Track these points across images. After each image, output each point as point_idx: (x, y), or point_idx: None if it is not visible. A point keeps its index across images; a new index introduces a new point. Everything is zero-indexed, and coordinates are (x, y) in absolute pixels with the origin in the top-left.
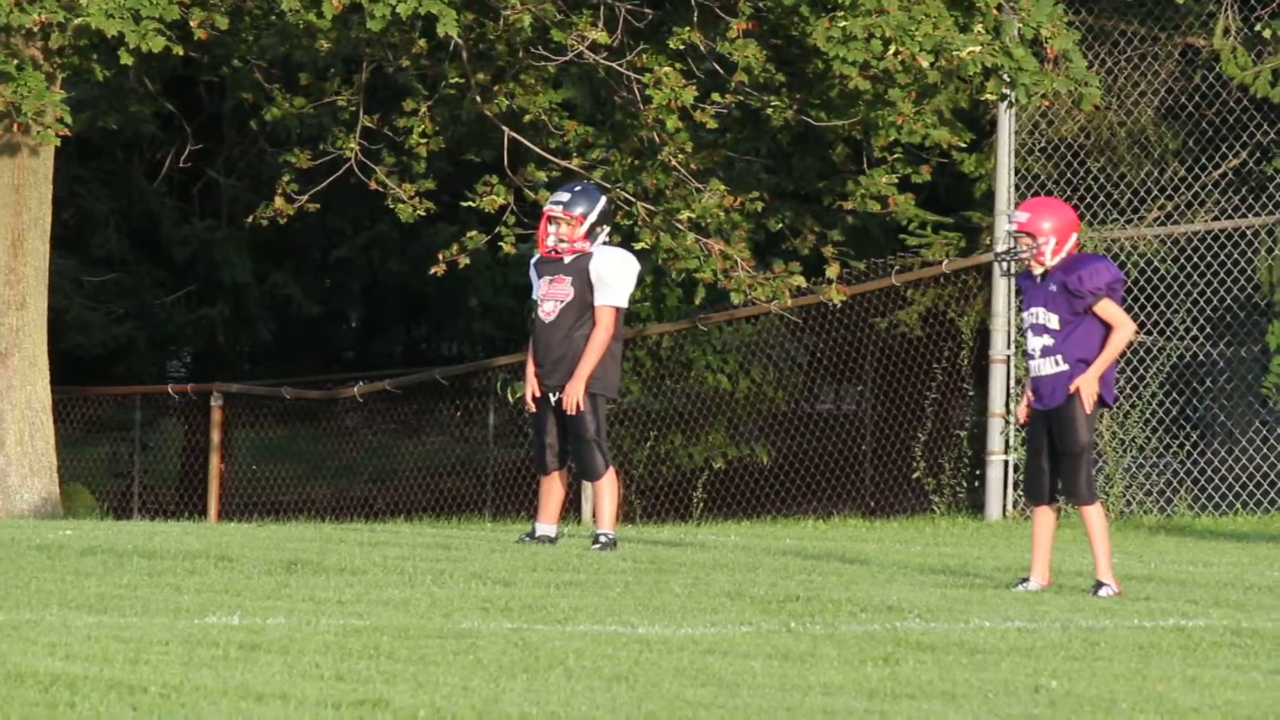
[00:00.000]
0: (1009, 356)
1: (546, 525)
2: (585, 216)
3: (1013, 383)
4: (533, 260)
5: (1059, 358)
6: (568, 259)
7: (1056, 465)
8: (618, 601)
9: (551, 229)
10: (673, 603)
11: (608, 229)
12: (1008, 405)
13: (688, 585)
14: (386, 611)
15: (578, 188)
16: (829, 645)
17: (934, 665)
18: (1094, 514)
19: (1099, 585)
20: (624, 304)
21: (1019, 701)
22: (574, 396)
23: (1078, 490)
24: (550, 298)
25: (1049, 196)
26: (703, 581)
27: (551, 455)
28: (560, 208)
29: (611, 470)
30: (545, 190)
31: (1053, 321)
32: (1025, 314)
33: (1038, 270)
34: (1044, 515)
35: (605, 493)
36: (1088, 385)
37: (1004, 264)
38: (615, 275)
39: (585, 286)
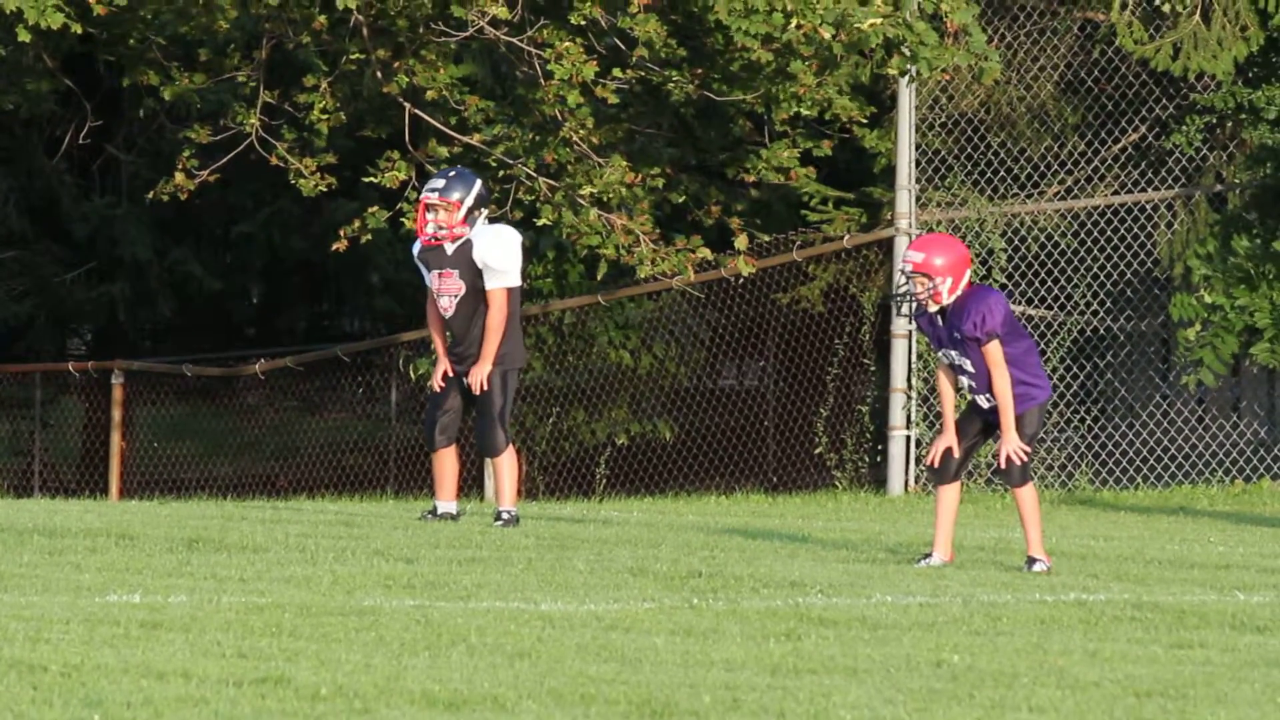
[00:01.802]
0: (910, 332)
1: (447, 503)
2: (462, 201)
3: (914, 358)
4: (415, 251)
5: (988, 395)
6: (450, 248)
7: (971, 448)
8: (520, 578)
9: (430, 216)
10: (575, 579)
11: (485, 211)
12: (909, 380)
13: (590, 562)
14: (288, 589)
15: (452, 173)
16: (731, 621)
17: (836, 641)
18: (1026, 494)
19: (1032, 561)
20: (515, 283)
21: (921, 676)
22: (479, 377)
23: (1011, 475)
24: (444, 293)
25: (940, 234)
26: (605, 558)
27: (440, 432)
28: (436, 194)
29: (511, 448)
30: (446, 165)
31: (968, 364)
32: (939, 354)
33: (934, 309)
34: (948, 492)
35: (505, 469)
36: (1014, 447)
37: (899, 304)
38: (499, 257)
39: (475, 275)
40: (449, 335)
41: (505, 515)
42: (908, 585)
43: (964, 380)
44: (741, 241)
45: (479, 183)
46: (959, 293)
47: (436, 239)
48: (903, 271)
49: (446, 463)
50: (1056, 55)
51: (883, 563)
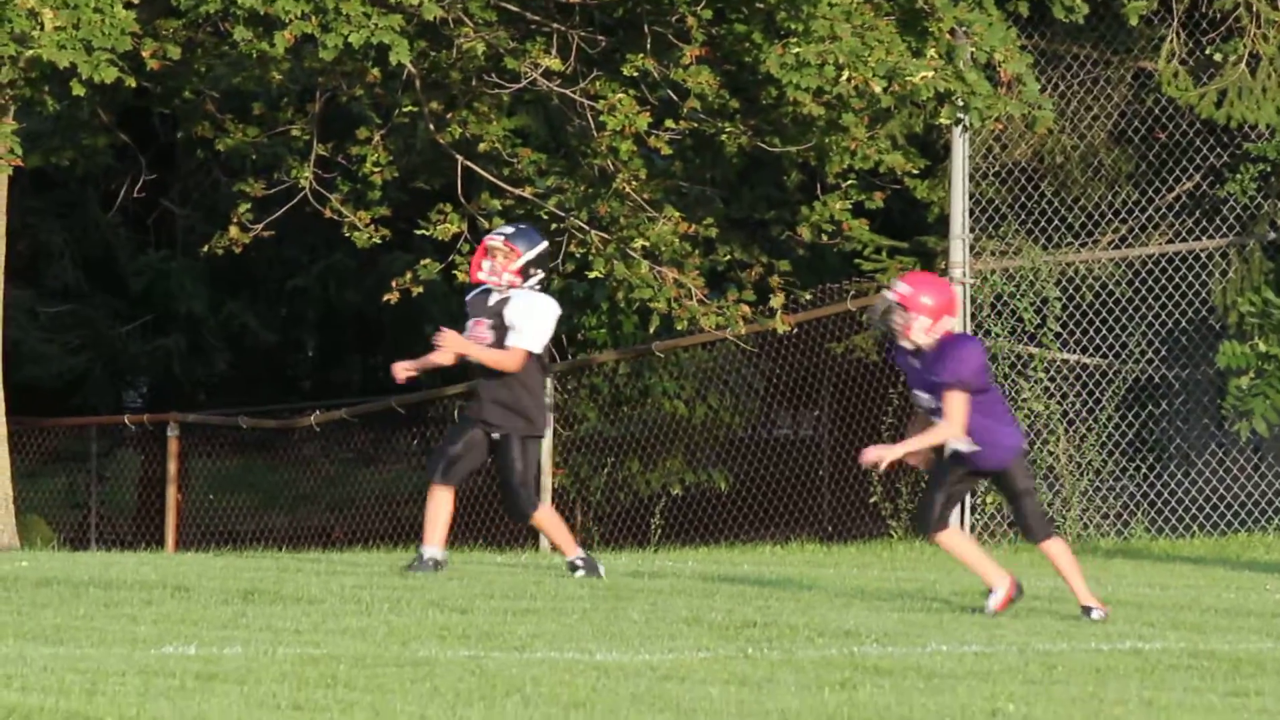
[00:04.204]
0: None
1: (433, 548)
2: (522, 252)
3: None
4: (469, 298)
5: (968, 439)
6: (492, 299)
7: (952, 496)
8: (575, 628)
9: (486, 263)
10: (630, 629)
11: (541, 274)
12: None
13: (645, 611)
14: (344, 640)
15: (523, 226)
16: (786, 671)
17: (891, 690)
18: (1053, 547)
19: (1087, 610)
20: (535, 349)
21: None
22: (452, 340)
23: (1031, 530)
24: (474, 340)
25: (935, 277)
26: (660, 608)
27: (447, 468)
28: (501, 239)
29: (543, 504)
30: (498, 219)
31: (927, 401)
32: (913, 393)
33: (905, 344)
34: (947, 538)
35: (548, 526)
36: (882, 454)
37: (871, 326)
38: (527, 321)
39: (503, 333)
40: (480, 385)
41: (579, 563)
42: (963, 634)
43: (934, 418)
44: (777, 300)
45: (544, 244)
46: (934, 336)
47: (486, 282)
48: (886, 298)
49: (442, 504)
50: (1110, 104)
51: (938, 612)
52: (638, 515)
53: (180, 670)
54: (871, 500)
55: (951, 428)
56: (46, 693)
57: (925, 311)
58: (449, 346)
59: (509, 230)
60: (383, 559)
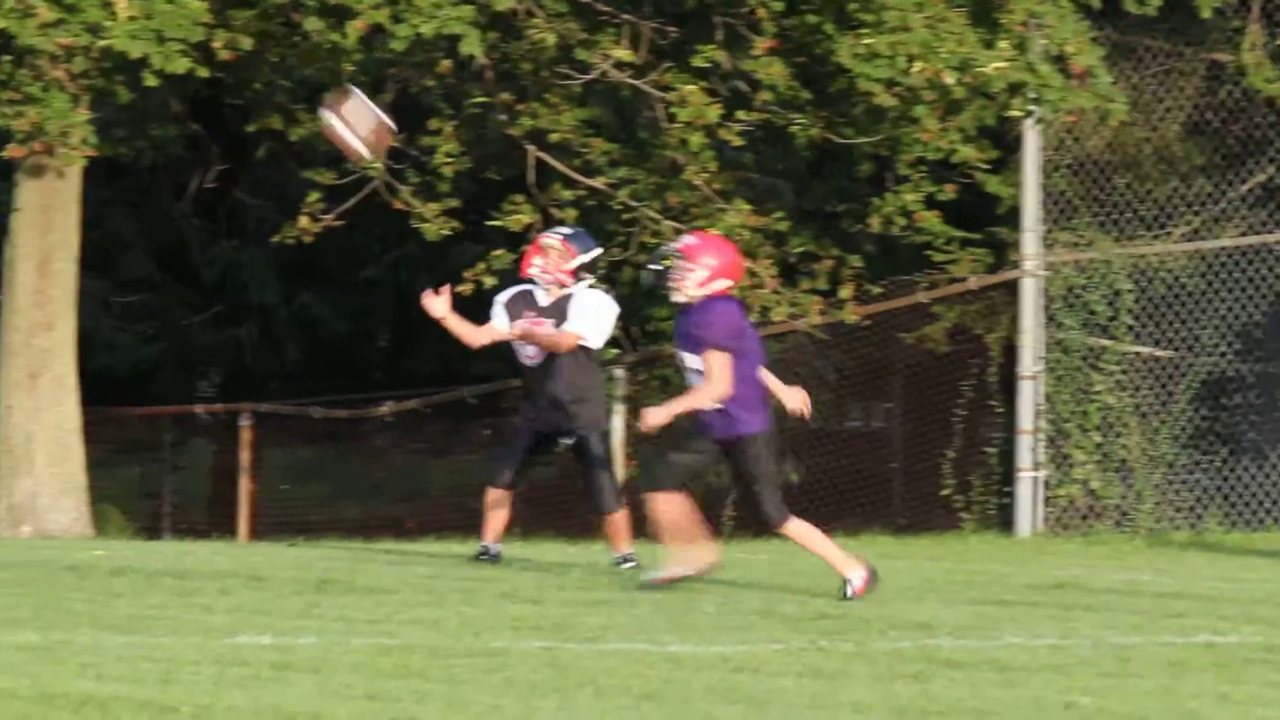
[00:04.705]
0: (1037, 373)
1: (496, 543)
2: (577, 253)
3: (1041, 399)
4: (503, 299)
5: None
6: (545, 300)
7: (685, 465)
8: (648, 619)
9: (538, 259)
10: (703, 620)
11: (591, 278)
12: (1036, 422)
13: (718, 603)
14: (417, 631)
15: (580, 229)
16: (859, 663)
17: (965, 683)
18: (794, 529)
19: (847, 581)
20: (592, 343)
21: (1050, 719)
22: (534, 329)
23: (768, 516)
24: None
25: (726, 240)
26: (733, 599)
27: (513, 473)
28: (559, 238)
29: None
30: (570, 209)
31: (694, 362)
32: (679, 353)
33: (676, 299)
34: (661, 502)
35: (623, 524)
36: (655, 417)
37: (647, 276)
38: (590, 315)
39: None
40: (543, 392)
41: (631, 558)
42: (1036, 627)
43: (692, 380)
44: (846, 291)
45: (598, 249)
46: (702, 292)
47: (535, 279)
48: (668, 247)
49: (503, 506)
50: (1183, 96)
51: (1011, 604)
52: (710, 507)
53: (255, 660)
54: (943, 493)
55: (713, 388)
56: (121, 681)
57: (704, 266)
58: (514, 332)
59: (567, 231)
60: (455, 549)
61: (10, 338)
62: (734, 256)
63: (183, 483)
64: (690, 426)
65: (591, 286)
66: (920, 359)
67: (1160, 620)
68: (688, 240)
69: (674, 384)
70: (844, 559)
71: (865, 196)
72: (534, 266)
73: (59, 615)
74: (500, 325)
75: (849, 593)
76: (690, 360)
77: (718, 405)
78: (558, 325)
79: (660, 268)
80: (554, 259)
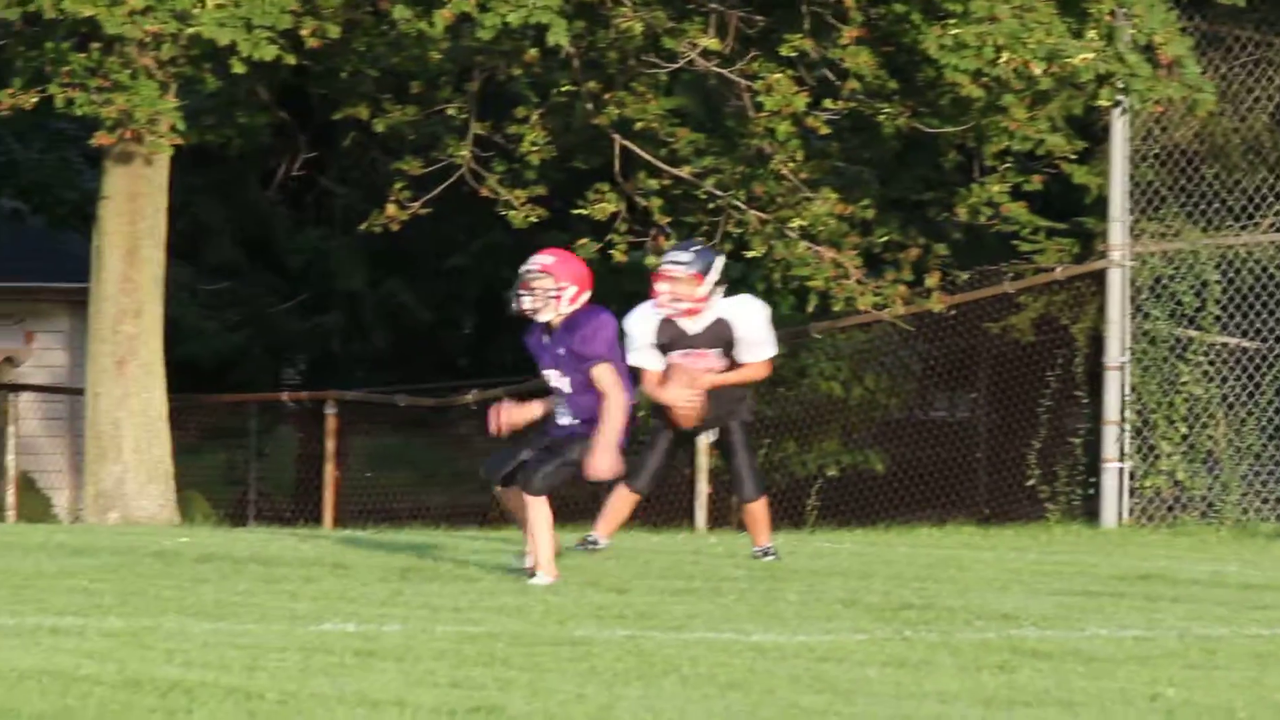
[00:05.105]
0: (1124, 364)
1: (606, 538)
2: (704, 275)
3: (1127, 390)
4: (645, 339)
5: (574, 416)
6: (694, 328)
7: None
8: (732, 609)
9: (666, 287)
10: (787, 610)
11: (722, 288)
12: (1123, 413)
13: (802, 592)
14: (501, 618)
15: (695, 247)
16: (944, 653)
17: (1050, 673)
18: (539, 506)
19: (537, 572)
20: (775, 351)
21: (1136, 710)
22: (701, 383)
23: (530, 483)
24: (703, 368)
25: (567, 251)
26: (817, 589)
27: (652, 478)
28: (681, 268)
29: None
30: (655, 198)
31: (565, 385)
32: (542, 374)
33: (546, 318)
34: (510, 496)
35: (760, 514)
36: (604, 463)
37: (517, 301)
38: (758, 329)
39: (728, 350)
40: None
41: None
42: (1122, 618)
43: (558, 400)
44: (933, 279)
45: (719, 259)
46: (574, 308)
47: (675, 310)
48: (526, 270)
49: (629, 506)
50: (1271, 86)
51: (1096, 595)
52: (794, 496)
53: (340, 647)
54: (1029, 483)
55: (618, 397)
56: (207, 668)
57: (569, 279)
58: (700, 385)
59: (685, 258)
60: None
61: (98, 325)
62: (586, 269)
63: (268, 470)
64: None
65: (725, 295)
66: (1006, 349)
67: (1246, 612)
68: (546, 259)
69: None
70: (550, 561)
71: (952, 185)
72: (663, 296)
73: (145, 602)
74: (654, 365)
75: (534, 576)
76: (557, 379)
77: (578, 420)
78: (722, 353)
79: (526, 293)
80: (683, 289)
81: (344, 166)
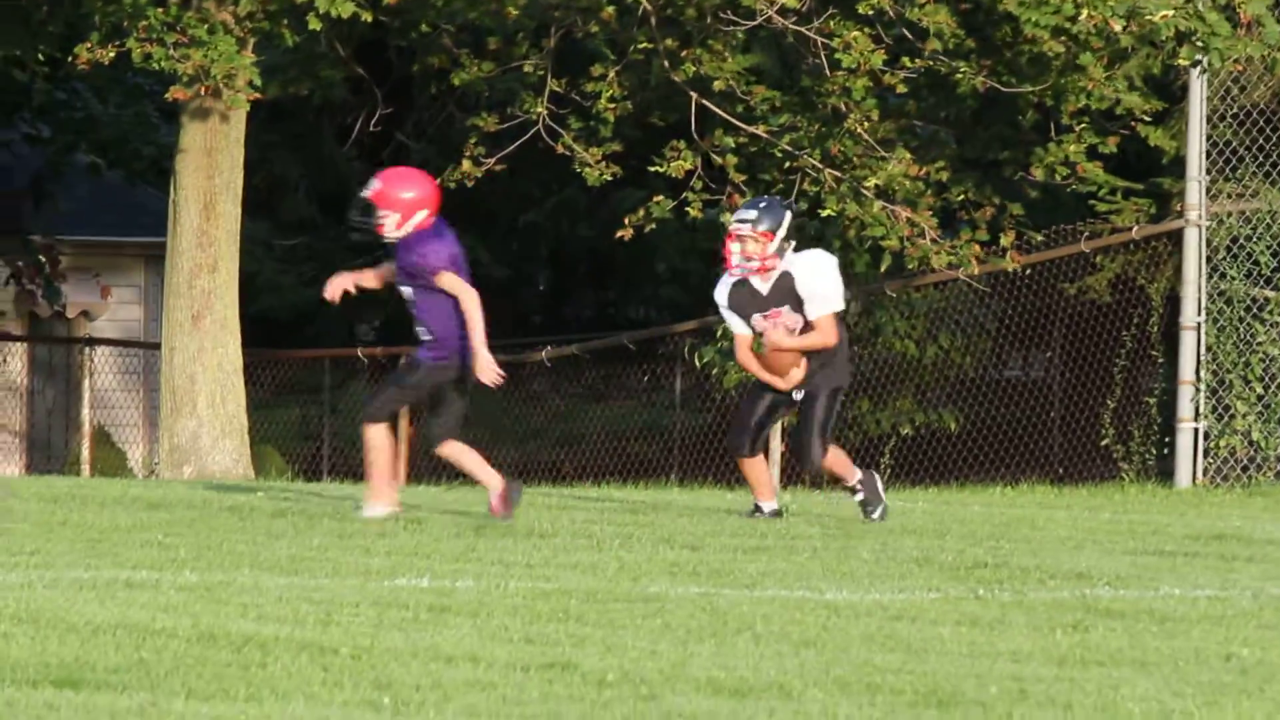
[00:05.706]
0: (1199, 324)
1: (769, 502)
2: (773, 233)
3: (1202, 350)
4: (724, 299)
5: (423, 329)
6: (765, 287)
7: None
8: (805, 567)
9: (736, 247)
10: (860, 568)
11: (793, 243)
12: (1198, 373)
13: (875, 551)
14: (574, 575)
15: (762, 204)
16: (1018, 612)
17: (1124, 633)
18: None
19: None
20: (841, 306)
21: (1210, 669)
22: (775, 341)
23: (371, 411)
24: (784, 329)
25: (409, 169)
26: (890, 547)
27: (751, 439)
28: (749, 226)
29: (830, 449)
30: (731, 155)
31: (412, 295)
32: (399, 289)
33: (389, 237)
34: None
35: (835, 465)
36: (484, 364)
37: (355, 228)
38: (824, 283)
39: (799, 305)
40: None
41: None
42: (1196, 578)
43: (414, 311)
44: (1008, 239)
45: (789, 214)
46: (405, 231)
47: (745, 270)
48: (361, 196)
49: (759, 467)
50: None
51: (1170, 555)
52: (868, 455)
53: (413, 602)
54: (1103, 443)
55: (469, 298)
56: (282, 622)
57: (395, 207)
58: (774, 342)
59: (751, 215)
60: (612, 494)
61: (174, 279)
62: (427, 186)
63: (342, 426)
64: (408, 359)
65: (796, 249)
66: (1081, 308)
67: None
68: (374, 186)
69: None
70: (378, 491)
71: (1029, 144)
72: (734, 257)
73: (220, 556)
74: (743, 329)
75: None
76: (409, 292)
77: (432, 335)
78: (791, 309)
79: (362, 221)
80: (752, 247)
81: (420, 122)
